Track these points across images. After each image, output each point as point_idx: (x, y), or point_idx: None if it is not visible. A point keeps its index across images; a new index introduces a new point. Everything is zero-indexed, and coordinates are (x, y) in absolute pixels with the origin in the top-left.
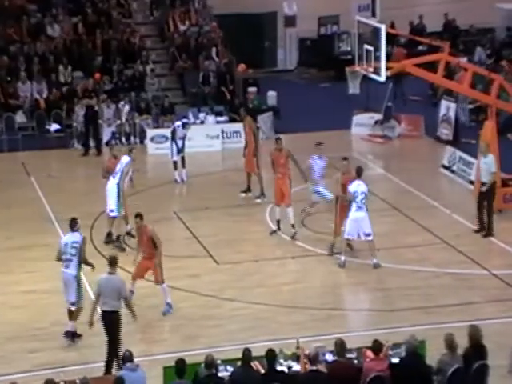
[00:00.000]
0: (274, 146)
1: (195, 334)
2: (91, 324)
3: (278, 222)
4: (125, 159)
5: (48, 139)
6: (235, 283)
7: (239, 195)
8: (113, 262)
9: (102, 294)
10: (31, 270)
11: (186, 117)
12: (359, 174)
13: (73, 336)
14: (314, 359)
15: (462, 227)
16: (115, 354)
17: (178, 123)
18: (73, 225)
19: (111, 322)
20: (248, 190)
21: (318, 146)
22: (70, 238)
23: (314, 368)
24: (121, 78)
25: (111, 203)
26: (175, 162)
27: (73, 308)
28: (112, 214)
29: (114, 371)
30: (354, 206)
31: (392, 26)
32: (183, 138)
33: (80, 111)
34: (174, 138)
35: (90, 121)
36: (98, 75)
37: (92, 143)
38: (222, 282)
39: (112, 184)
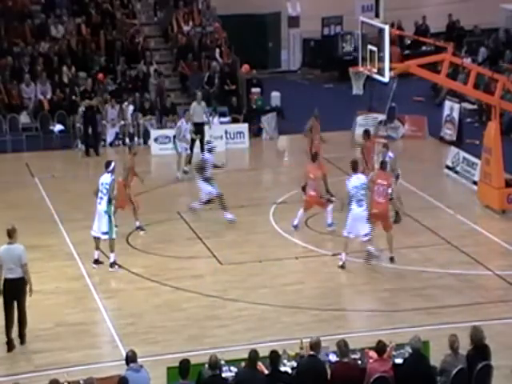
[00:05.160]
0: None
1: (199, 335)
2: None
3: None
4: None
5: (52, 140)
6: (239, 284)
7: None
8: (11, 233)
9: (3, 263)
10: (36, 270)
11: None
12: (354, 168)
13: (96, 262)
14: (314, 346)
15: (465, 228)
16: (26, 323)
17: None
18: (107, 166)
19: (16, 288)
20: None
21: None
22: (104, 178)
23: (313, 353)
24: (124, 78)
25: None
26: None
27: (103, 237)
28: None
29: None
30: (354, 202)
31: (399, 27)
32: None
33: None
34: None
35: (89, 121)
36: (101, 75)
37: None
38: (226, 283)
39: None
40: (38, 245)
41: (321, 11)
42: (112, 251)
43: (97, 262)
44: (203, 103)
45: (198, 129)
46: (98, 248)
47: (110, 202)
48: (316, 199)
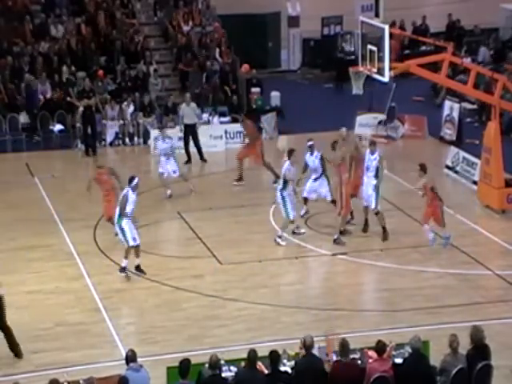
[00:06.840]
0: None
1: (199, 335)
2: None
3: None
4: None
5: (52, 140)
6: (239, 283)
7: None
8: None
9: None
10: (36, 270)
11: None
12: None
13: (127, 269)
14: (308, 347)
15: (465, 228)
16: (15, 342)
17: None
18: (130, 181)
19: None
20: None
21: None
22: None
23: (309, 352)
24: (124, 78)
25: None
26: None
27: (123, 244)
28: None
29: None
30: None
31: (401, 26)
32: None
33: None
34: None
35: (87, 121)
36: (101, 72)
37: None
38: (226, 283)
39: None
40: (38, 245)
41: (321, 11)
42: (125, 257)
43: (123, 270)
44: (193, 104)
45: (189, 130)
46: (126, 257)
47: (120, 215)
48: None
